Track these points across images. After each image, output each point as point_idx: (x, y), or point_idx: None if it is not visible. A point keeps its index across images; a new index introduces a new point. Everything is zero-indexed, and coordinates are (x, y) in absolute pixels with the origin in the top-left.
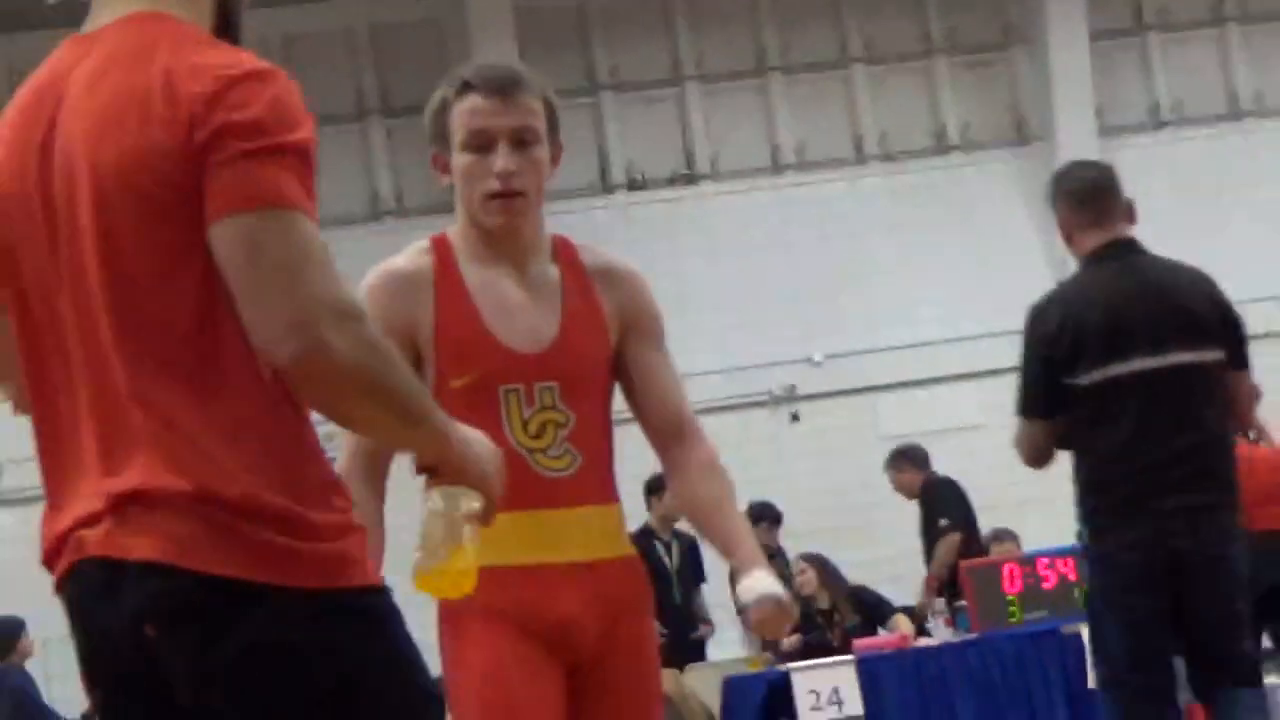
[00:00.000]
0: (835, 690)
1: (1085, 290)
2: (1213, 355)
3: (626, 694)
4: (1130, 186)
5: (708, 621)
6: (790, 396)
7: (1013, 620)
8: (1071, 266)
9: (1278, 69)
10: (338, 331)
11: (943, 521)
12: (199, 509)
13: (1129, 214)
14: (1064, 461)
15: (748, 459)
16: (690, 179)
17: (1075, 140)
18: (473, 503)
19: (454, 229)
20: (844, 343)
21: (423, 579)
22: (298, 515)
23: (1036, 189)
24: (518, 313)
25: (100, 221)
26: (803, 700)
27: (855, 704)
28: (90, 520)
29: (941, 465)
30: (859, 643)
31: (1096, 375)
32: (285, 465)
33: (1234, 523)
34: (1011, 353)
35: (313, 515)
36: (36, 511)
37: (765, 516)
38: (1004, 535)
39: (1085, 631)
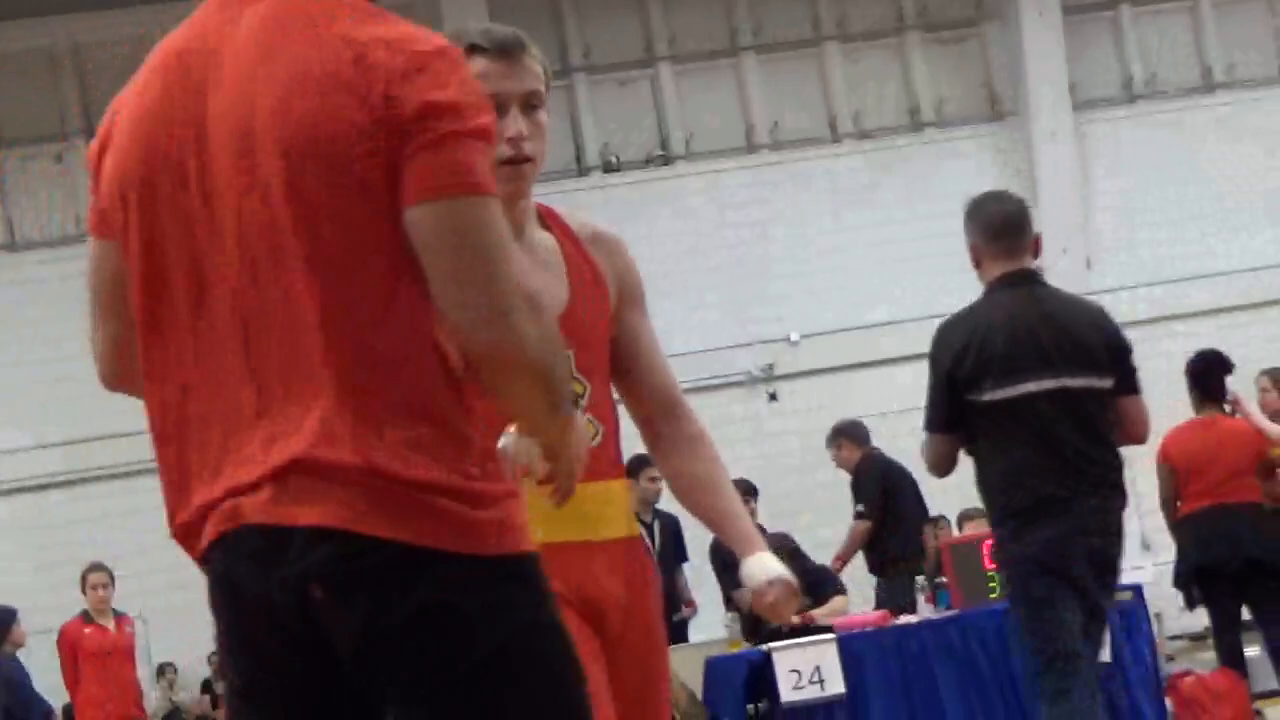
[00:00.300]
0: (817, 669)
1: (989, 315)
2: (1100, 382)
3: (641, 673)
4: (1104, 160)
5: (690, 603)
6: (768, 376)
7: (993, 596)
8: (1047, 248)
9: (1250, 41)
10: (531, 321)
11: (858, 507)
12: (369, 480)
13: (1035, 247)
14: None
15: (726, 439)
16: (665, 159)
17: (1049, 115)
18: (538, 466)
19: None
20: (821, 322)
21: None
22: (466, 484)
23: (1011, 164)
24: (529, 280)
25: (291, 190)
26: (784, 679)
27: (837, 682)
28: (248, 489)
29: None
30: (840, 621)
31: (996, 394)
32: (453, 435)
33: (1120, 525)
34: None
35: (479, 483)
36: (26, 502)
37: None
38: (973, 514)
39: None
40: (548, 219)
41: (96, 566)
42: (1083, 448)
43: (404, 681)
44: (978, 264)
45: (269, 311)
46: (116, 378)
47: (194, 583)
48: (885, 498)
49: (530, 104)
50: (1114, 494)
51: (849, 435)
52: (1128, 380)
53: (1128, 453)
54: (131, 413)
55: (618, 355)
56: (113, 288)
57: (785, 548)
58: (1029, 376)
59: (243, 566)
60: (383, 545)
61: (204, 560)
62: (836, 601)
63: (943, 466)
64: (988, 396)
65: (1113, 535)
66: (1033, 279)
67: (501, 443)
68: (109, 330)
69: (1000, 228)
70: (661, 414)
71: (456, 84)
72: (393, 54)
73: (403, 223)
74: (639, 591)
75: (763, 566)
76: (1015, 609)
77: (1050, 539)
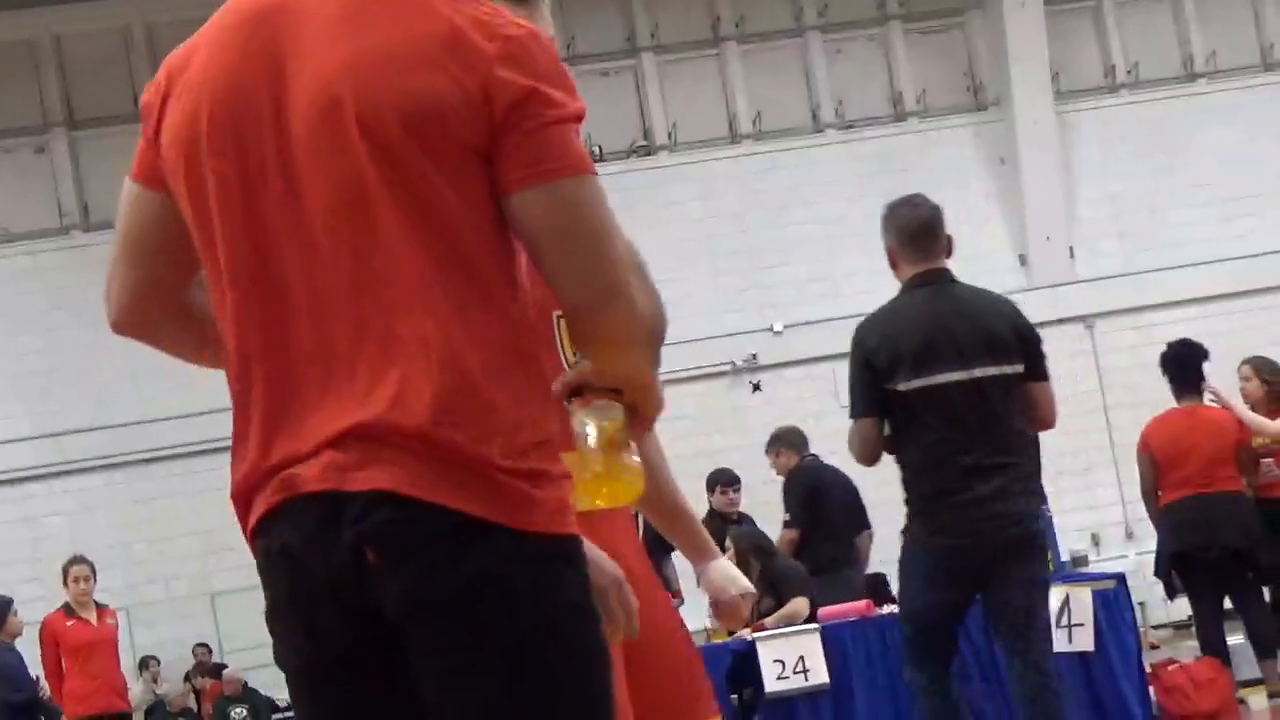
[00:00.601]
0: (801, 659)
1: (904, 311)
2: (1011, 369)
3: (664, 638)
4: (1086, 149)
5: (676, 593)
6: (751, 366)
7: None
8: (1030, 237)
9: (1231, 29)
10: (641, 289)
11: (785, 516)
12: (432, 449)
13: (948, 248)
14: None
15: (710, 429)
16: (648, 150)
17: (1031, 104)
18: (617, 415)
19: None
20: (804, 311)
21: (590, 488)
22: (528, 462)
23: (994, 154)
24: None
25: (378, 164)
26: (769, 669)
27: (821, 672)
28: (308, 455)
29: None
30: (824, 611)
31: (912, 383)
32: (520, 413)
33: (1035, 505)
34: None
35: (542, 462)
36: (7, 494)
37: (720, 480)
38: None
39: (1050, 596)
40: None
41: (78, 559)
42: (993, 434)
43: (446, 650)
44: (894, 265)
45: (341, 282)
46: (126, 324)
47: (177, 575)
48: (812, 506)
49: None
50: (1021, 478)
51: (786, 442)
52: (1037, 368)
53: (1119, 442)
54: (113, 405)
55: None
56: (141, 236)
57: (759, 547)
58: (942, 367)
59: (300, 536)
60: (440, 512)
61: (257, 533)
62: (795, 604)
63: (868, 452)
64: (903, 386)
65: (1017, 518)
66: (945, 277)
67: (584, 424)
68: (130, 277)
69: (915, 231)
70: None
71: (553, 68)
72: (488, 36)
73: (492, 204)
74: (644, 557)
75: (731, 578)
76: (900, 579)
77: (952, 522)
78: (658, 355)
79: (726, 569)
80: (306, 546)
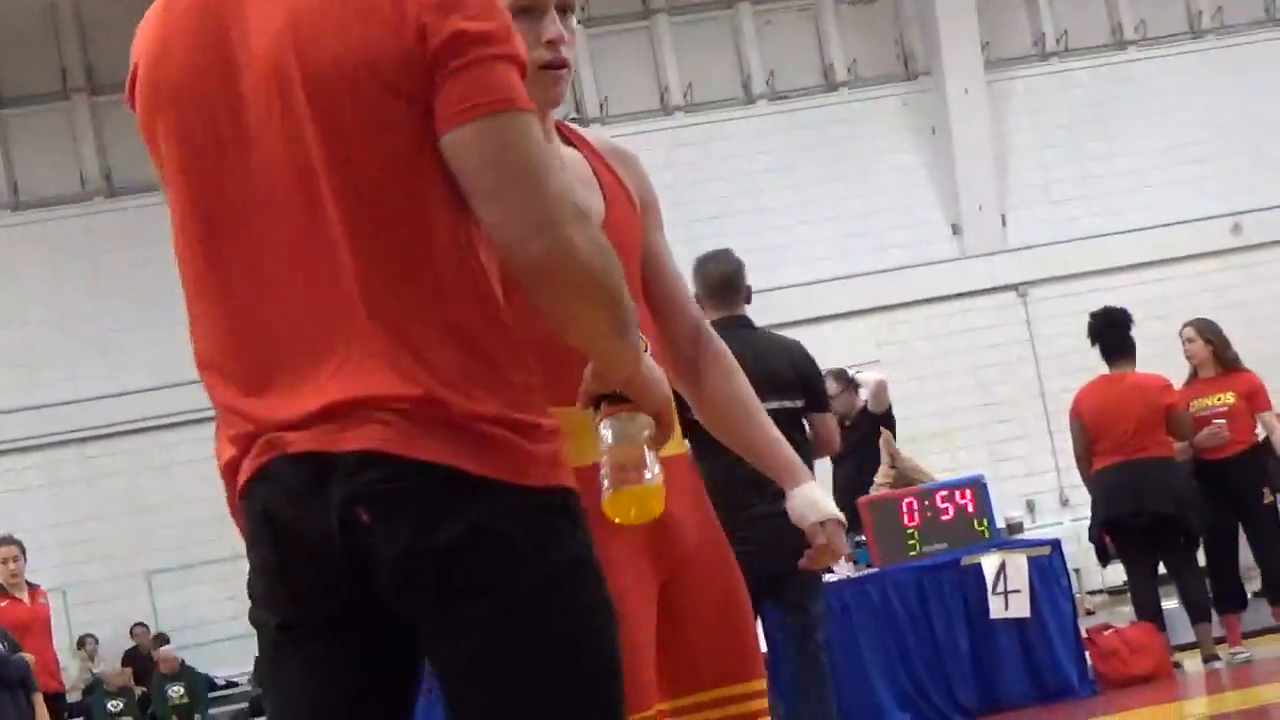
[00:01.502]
0: None
1: None
2: (791, 403)
3: (723, 584)
4: (1017, 118)
5: None
6: None
7: (912, 553)
8: (962, 206)
9: None
10: (580, 230)
11: None
12: (424, 410)
13: (748, 296)
14: (963, 395)
15: None
16: (579, 122)
17: (962, 74)
18: (645, 426)
19: None
20: None
21: (613, 503)
22: (519, 415)
23: (925, 124)
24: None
25: (322, 125)
26: None
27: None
28: (297, 424)
29: None
30: None
31: None
32: (503, 367)
33: (795, 538)
34: (903, 288)
35: (530, 417)
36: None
37: None
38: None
39: (985, 563)
40: (567, 133)
41: (6, 540)
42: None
43: (443, 608)
44: (701, 309)
45: (305, 250)
46: None
47: (115, 554)
48: None
49: (564, 8)
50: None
51: None
52: (817, 400)
53: (1053, 409)
54: (49, 385)
55: (642, 274)
56: None
57: None
58: None
59: (285, 498)
60: (433, 469)
61: (244, 496)
62: None
63: None
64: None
65: (776, 547)
66: (740, 323)
67: (606, 434)
68: None
69: (718, 284)
70: (688, 335)
71: (492, 13)
72: None
73: (438, 153)
74: (704, 506)
75: (811, 503)
76: None
77: (745, 534)
78: (620, 308)
79: (808, 493)
80: (294, 507)
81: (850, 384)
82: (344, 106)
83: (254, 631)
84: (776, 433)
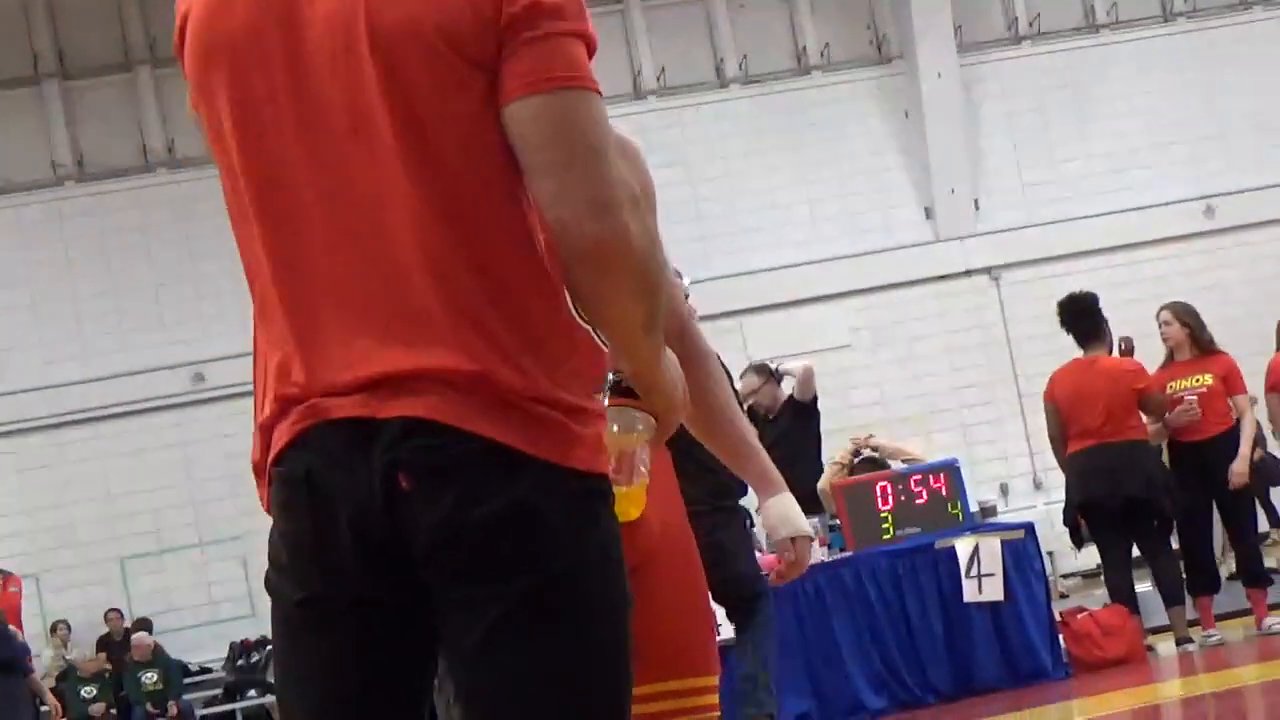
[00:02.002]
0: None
1: None
2: None
3: (676, 582)
4: (990, 101)
5: None
6: None
7: (886, 537)
8: (935, 190)
9: None
10: (635, 218)
11: None
12: (478, 385)
13: None
14: (936, 379)
15: None
16: None
17: (934, 57)
18: (646, 425)
19: None
20: (711, 267)
21: None
22: (569, 397)
23: (898, 107)
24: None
25: (389, 87)
26: None
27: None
28: (344, 389)
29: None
30: None
31: None
32: (558, 348)
33: (722, 519)
34: (876, 272)
35: (579, 399)
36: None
37: None
38: None
39: (959, 546)
40: None
41: None
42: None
43: (474, 580)
44: None
45: (363, 216)
46: None
47: (87, 541)
48: None
49: None
50: (721, 513)
51: None
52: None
53: (1026, 392)
54: (20, 370)
55: None
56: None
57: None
58: None
59: (326, 461)
60: (479, 440)
61: (277, 462)
62: None
63: None
64: None
65: (709, 527)
66: None
67: (610, 423)
68: None
69: None
70: (674, 332)
71: None
72: None
73: (501, 123)
74: (674, 503)
75: (785, 518)
76: None
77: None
78: (656, 304)
79: (781, 507)
80: (333, 472)
81: (772, 376)
82: (414, 68)
83: (229, 619)
84: (755, 440)
